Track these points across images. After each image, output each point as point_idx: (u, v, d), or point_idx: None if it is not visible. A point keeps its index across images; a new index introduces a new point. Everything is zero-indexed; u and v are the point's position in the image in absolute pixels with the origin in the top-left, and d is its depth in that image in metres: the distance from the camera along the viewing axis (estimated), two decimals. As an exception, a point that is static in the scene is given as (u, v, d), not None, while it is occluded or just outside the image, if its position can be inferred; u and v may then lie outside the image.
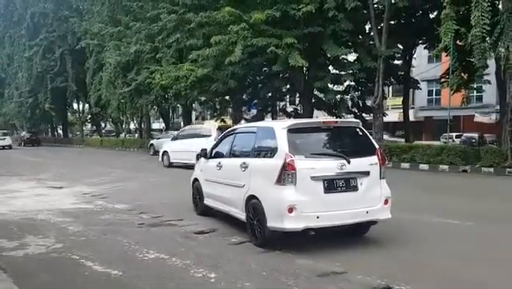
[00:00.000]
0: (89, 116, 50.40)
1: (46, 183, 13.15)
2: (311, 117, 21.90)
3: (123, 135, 52.06)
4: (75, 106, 52.69)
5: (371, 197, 5.56)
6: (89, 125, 55.90)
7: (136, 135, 48.84)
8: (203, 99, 29.30)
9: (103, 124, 55.54)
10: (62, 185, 12.42)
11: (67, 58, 42.08)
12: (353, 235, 5.97)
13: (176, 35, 24.14)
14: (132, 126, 56.01)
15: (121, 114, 37.52)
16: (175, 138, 19.80)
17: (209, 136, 16.60)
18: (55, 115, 47.62)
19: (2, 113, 55.03)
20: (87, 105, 47.29)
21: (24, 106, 48.46)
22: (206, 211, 7.54)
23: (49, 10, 43.11)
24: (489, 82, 21.07)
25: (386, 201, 5.68)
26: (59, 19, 42.71)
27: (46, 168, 18.20)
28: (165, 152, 18.88)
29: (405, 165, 16.97)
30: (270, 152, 5.64)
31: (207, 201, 7.43)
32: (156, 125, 55.46)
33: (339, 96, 23.19)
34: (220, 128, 17.45)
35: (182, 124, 37.32)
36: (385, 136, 25.37)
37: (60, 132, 57.65)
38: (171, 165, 18.19)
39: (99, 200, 9.81)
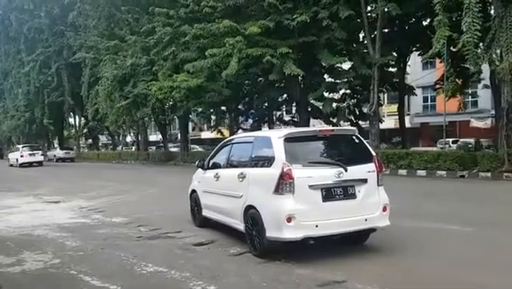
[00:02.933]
0: (85, 130, 50.34)
1: (43, 198, 13.07)
2: (308, 126, 21.97)
3: (120, 147, 52.03)
4: (70, 120, 52.64)
5: (370, 205, 5.55)
6: (85, 139, 55.78)
7: (133, 147, 48.78)
8: (199, 110, 29.35)
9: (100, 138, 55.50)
10: (59, 200, 12.34)
11: (63, 72, 42.17)
12: (352, 243, 5.94)
13: (171, 48, 24.25)
14: (128, 139, 55.98)
15: (118, 127, 37.53)
16: (11, 151, 38.46)
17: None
18: (53, 129, 47.58)
19: (2, 130, 54.89)
20: (83, 119, 47.26)
21: (21, 121, 48.43)
22: (205, 222, 7.50)
23: (44, 25, 43.26)
24: (487, 86, 21.13)
25: (384, 208, 5.66)
26: (55, 34, 42.88)
27: (42, 183, 18.10)
28: (8, 159, 36.19)
29: (402, 172, 16.98)
30: (268, 161, 5.63)
31: (205, 213, 7.40)
32: (153, 137, 55.40)
33: (335, 105, 23.28)
34: (24, 147, 34.89)
35: (179, 135, 37.34)
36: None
37: (57, 146, 57.49)
38: (12, 166, 33.29)
39: (96, 214, 9.75)
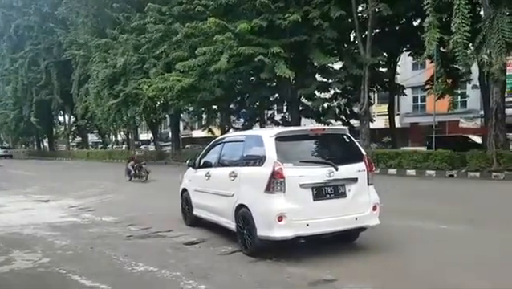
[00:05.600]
0: (74, 128, 49.93)
1: (33, 197, 12.94)
2: (299, 125, 22.02)
3: (110, 146, 51.64)
4: (60, 118, 52.18)
5: (360, 204, 5.58)
6: (75, 137, 55.23)
7: (124, 146, 48.48)
8: (191, 108, 29.27)
9: (89, 136, 55.09)
10: (49, 199, 12.24)
11: (53, 70, 41.72)
12: (343, 242, 5.97)
13: (163, 46, 24.14)
14: (119, 137, 55.60)
15: (109, 125, 37.32)
16: None
17: None
18: (41, 127, 47.10)
19: None
20: (73, 117, 46.88)
21: (9, 118, 47.89)
22: (196, 221, 7.49)
23: (34, 22, 42.78)
24: (477, 86, 21.34)
25: (374, 208, 5.70)
26: (44, 31, 42.42)
27: (32, 182, 17.90)
28: None
29: (392, 171, 17.11)
30: (259, 160, 5.64)
31: (196, 212, 7.39)
32: (143, 136, 55.09)
33: (326, 104, 23.37)
34: None
35: (170, 134, 37.19)
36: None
37: (46, 144, 57.02)
38: None
39: (86, 213, 9.68)
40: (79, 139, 54.16)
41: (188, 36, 21.91)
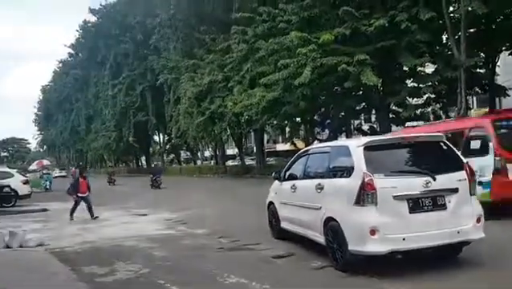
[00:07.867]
0: (168, 146, 53.09)
1: (132, 211, 13.87)
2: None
3: (199, 162, 54.00)
4: (155, 138, 55.90)
5: (462, 216, 5.14)
6: (169, 154, 58.65)
7: (212, 161, 50.39)
8: (275, 122, 29.55)
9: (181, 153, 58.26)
10: (146, 213, 13.02)
11: (147, 93, 45.11)
12: (444, 257, 5.50)
13: (247, 65, 24.80)
14: (207, 153, 58.03)
15: (198, 142, 39.10)
16: None
17: None
18: (138, 146, 50.84)
19: (93, 148, 59.92)
20: (166, 136, 49.94)
21: (111, 139, 52.40)
22: (283, 234, 7.43)
23: (129, 50, 46.70)
24: None
25: (478, 220, 5.22)
26: (139, 58, 46.06)
27: (130, 198, 19.22)
28: None
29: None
30: (346, 171, 5.45)
31: (283, 225, 7.33)
32: (230, 151, 56.77)
33: (419, 110, 22.10)
34: None
35: (255, 148, 37.87)
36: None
37: (144, 162, 61.31)
38: None
39: (180, 225, 10.13)
40: (171, 156, 57.54)
41: (272, 53, 22.25)
